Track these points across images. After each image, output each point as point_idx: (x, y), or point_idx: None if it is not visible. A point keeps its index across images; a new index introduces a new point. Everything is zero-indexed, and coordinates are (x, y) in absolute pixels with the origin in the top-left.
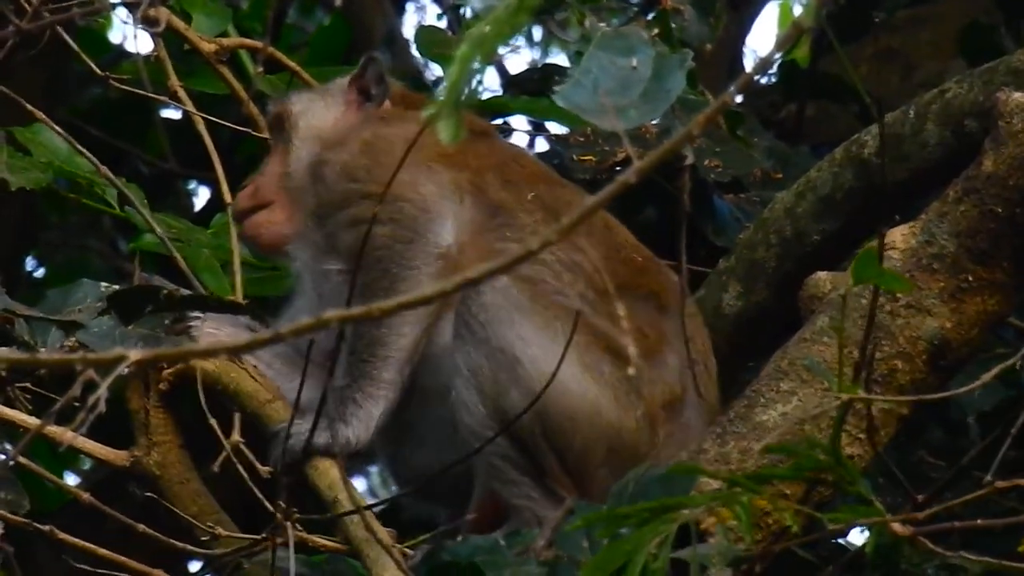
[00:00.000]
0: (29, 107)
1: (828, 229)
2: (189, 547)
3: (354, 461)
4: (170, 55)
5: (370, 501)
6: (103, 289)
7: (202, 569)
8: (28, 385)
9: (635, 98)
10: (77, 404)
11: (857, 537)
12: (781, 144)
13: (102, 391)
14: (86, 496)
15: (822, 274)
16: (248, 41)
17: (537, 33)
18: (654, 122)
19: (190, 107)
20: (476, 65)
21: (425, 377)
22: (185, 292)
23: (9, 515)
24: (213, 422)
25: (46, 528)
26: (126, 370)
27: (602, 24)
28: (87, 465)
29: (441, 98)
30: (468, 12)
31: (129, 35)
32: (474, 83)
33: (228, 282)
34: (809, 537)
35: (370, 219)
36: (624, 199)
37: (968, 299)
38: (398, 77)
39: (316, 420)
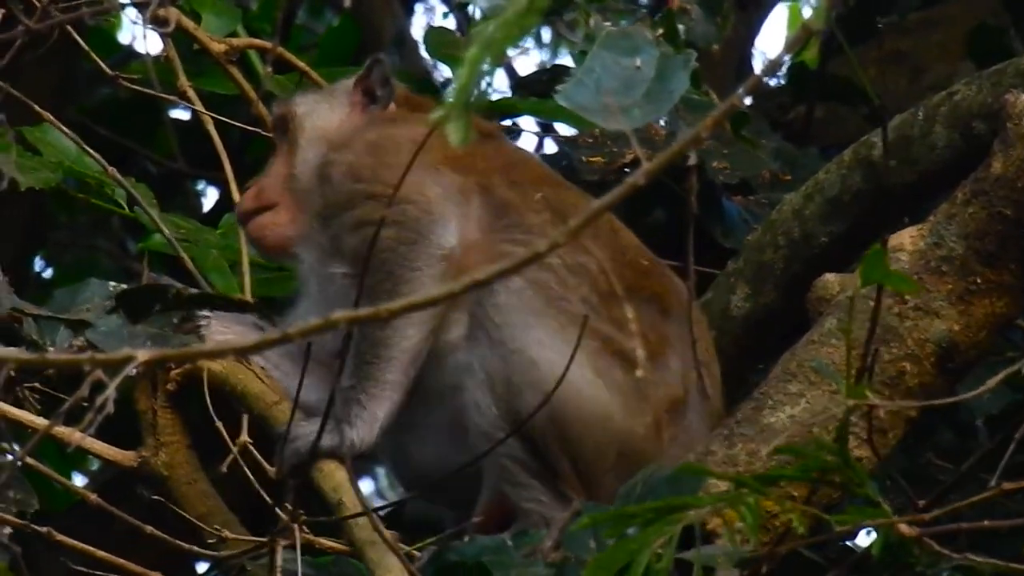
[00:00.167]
0: (37, 108)
1: (836, 231)
2: (196, 549)
3: (360, 462)
4: (179, 55)
5: (377, 503)
6: (111, 288)
7: (209, 570)
8: (36, 385)
9: (638, 98)
10: (85, 404)
11: (863, 538)
12: (789, 146)
13: (110, 391)
14: (93, 497)
15: (830, 276)
16: (257, 41)
17: (546, 34)
18: (662, 124)
19: (199, 107)
20: (485, 67)
21: (431, 377)
22: (193, 291)
23: (6, 516)
24: (219, 425)
25: (44, 530)
26: (134, 370)
27: (608, 24)
28: (95, 465)
29: (450, 100)
30: (476, 13)
31: (138, 35)
32: (483, 85)
33: (236, 282)
34: (816, 538)
35: (374, 221)
36: (632, 201)
37: (976, 301)
38: (407, 78)
39: (323, 422)
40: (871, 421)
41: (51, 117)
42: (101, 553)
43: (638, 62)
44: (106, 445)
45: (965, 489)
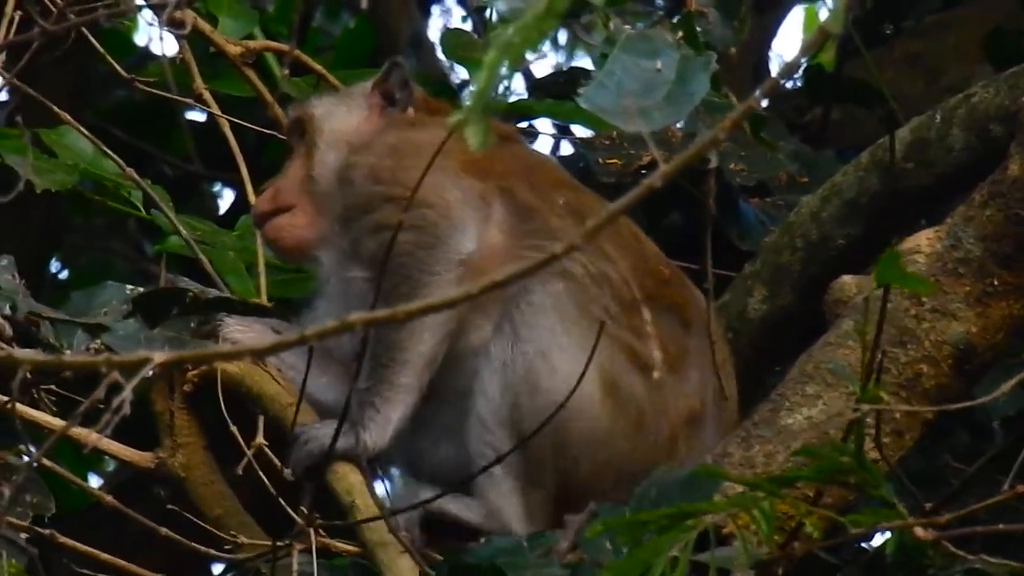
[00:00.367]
0: (55, 109)
1: (853, 233)
2: (211, 551)
3: (373, 464)
4: (196, 57)
5: (389, 504)
6: (128, 291)
7: (224, 572)
8: (53, 387)
9: (659, 100)
10: (102, 406)
11: (877, 538)
12: (806, 148)
13: (127, 393)
14: (109, 499)
15: (847, 278)
16: (274, 44)
17: (562, 37)
18: (679, 126)
19: (215, 109)
20: (504, 71)
21: (449, 378)
22: (211, 294)
23: (10, 519)
24: (234, 429)
25: (47, 532)
26: (151, 372)
27: (627, 27)
28: (111, 466)
29: (468, 104)
30: (494, 15)
31: (154, 37)
32: (501, 89)
33: (253, 284)
34: (832, 541)
35: (393, 225)
36: (649, 203)
37: (993, 303)
38: (424, 80)
39: (340, 425)
40: (879, 425)
41: (68, 119)
42: (105, 556)
43: (658, 64)
44: (123, 446)
45: (980, 491)
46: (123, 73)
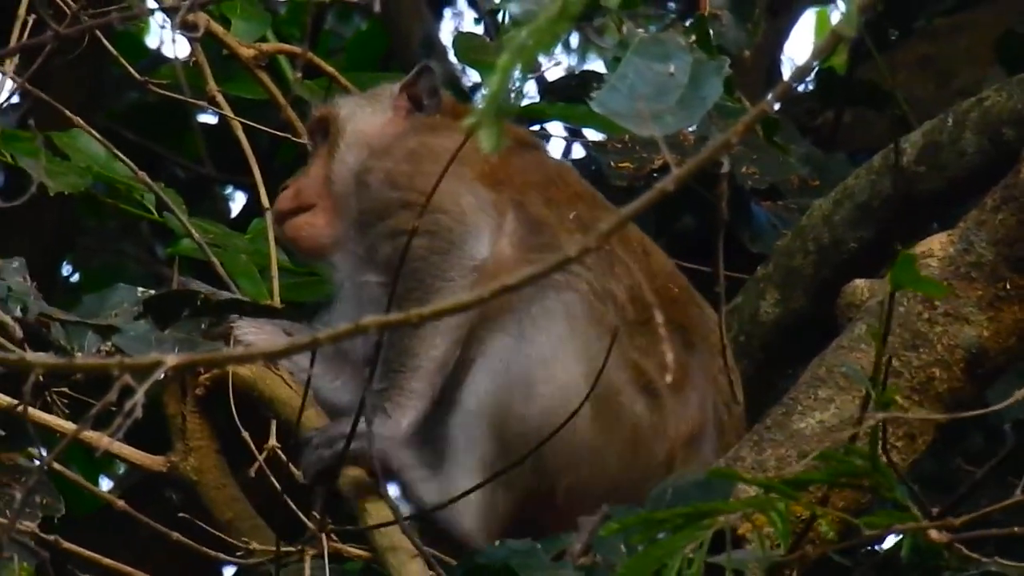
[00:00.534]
0: (67, 112)
1: (865, 236)
2: (222, 556)
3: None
4: (208, 60)
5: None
6: (139, 294)
7: (236, 574)
8: (64, 390)
9: (671, 104)
10: (113, 409)
11: (889, 539)
12: (818, 151)
13: (139, 396)
14: (120, 503)
15: (859, 282)
16: (286, 46)
17: (574, 40)
18: (691, 129)
19: (228, 112)
20: (516, 74)
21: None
22: (222, 296)
23: (20, 524)
24: (246, 435)
25: (51, 538)
26: (163, 375)
27: (640, 30)
28: (122, 469)
29: (481, 107)
30: (506, 18)
31: (167, 40)
32: (514, 92)
33: (265, 287)
34: (846, 543)
35: (408, 230)
36: (662, 207)
37: (1006, 307)
38: None
39: (352, 429)
40: (885, 431)
41: (80, 122)
42: (108, 561)
43: (671, 68)
44: (135, 450)
45: (993, 493)
46: (136, 76)
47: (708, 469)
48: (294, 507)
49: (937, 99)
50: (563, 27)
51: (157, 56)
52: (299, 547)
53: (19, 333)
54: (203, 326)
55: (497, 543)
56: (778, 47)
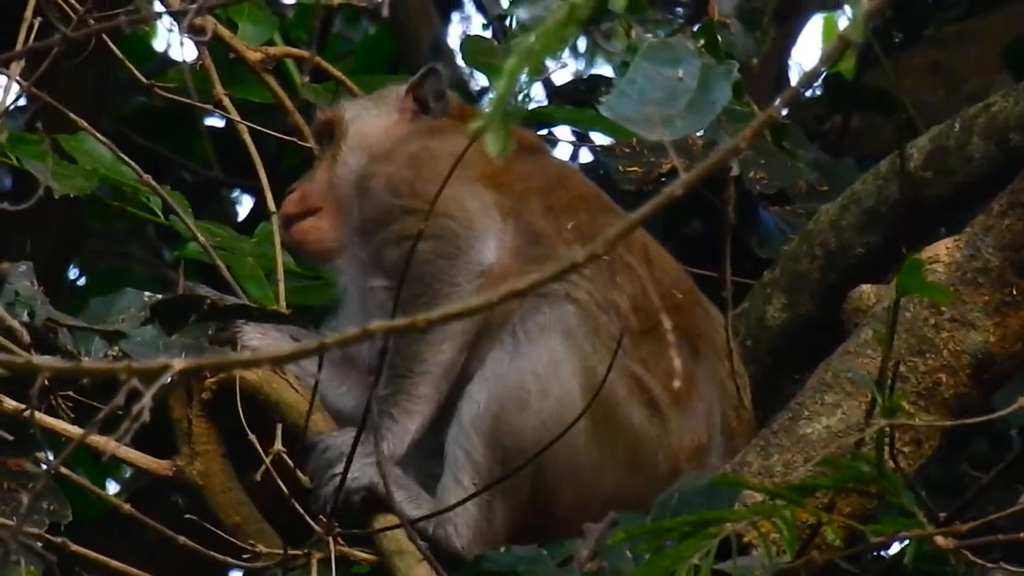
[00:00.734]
0: (73, 116)
1: (873, 242)
2: (229, 559)
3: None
4: (215, 63)
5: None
6: (146, 298)
7: None
8: (71, 394)
9: (680, 109)
10: (120, 413)
11: (894, 546)
12: (826, 156)
13: (146, 400)
14: (126, 507)
15: (866, 287)
16: (294, 50)
17: (582, 44)
18: (699, 134)
19: (235, 116)
20: (524, 78)
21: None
22: (229, 301)
23: (28, 527)
24: (253, 438)
25: (58, 540)
26: (170, 379)
27: (648, 35)
28: (129, 473)
29: (488, 111)
30: (514, 22)
31: (174, 43)
32: (521, 96)
33: (272, 291)
34: (852, 550)
35: (415, 235)
36: (670, 211)
37: (1012, 313)
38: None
39: (358, 434)
40: (893, 436)
41: (87, 125)
42: (116, 564)
43: (680, 73)
44: (141, 454)
45: (999, 499)
46: (143, 79)
47: (714, 476)
48: (301, 510)
49: (946, 105)
50: (570, 31)
51: (164, 60)
52: (305, 550)
53: (26, 338)
54: (210, 331)
55: (503, 549)
56: (786, 52)
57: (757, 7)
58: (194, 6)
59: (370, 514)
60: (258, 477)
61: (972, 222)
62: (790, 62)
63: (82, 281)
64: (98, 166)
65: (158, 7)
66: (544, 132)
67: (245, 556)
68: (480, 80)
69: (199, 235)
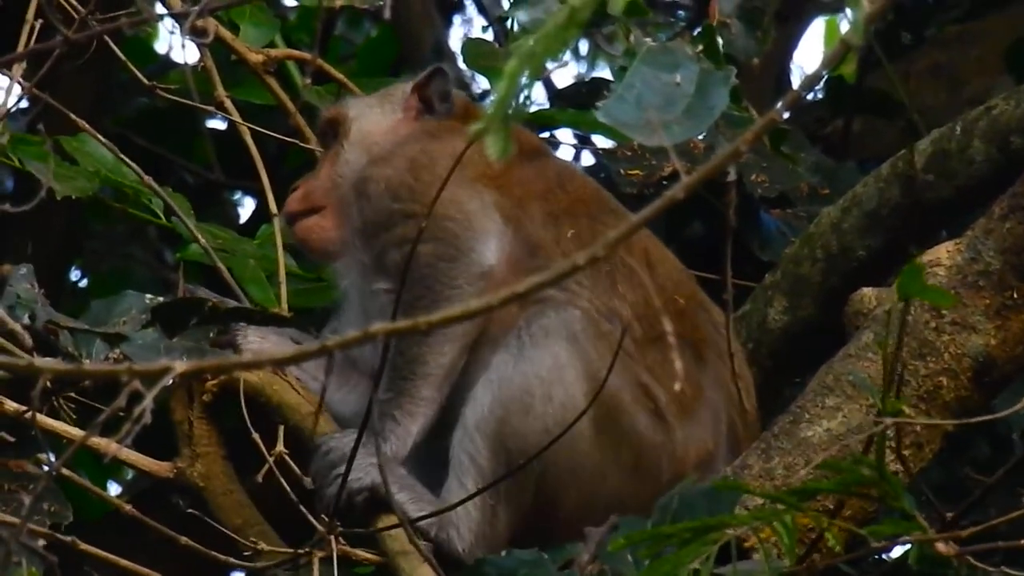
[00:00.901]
0: (75, 118)
1: (874, 245)
2: (231, 559)
3: None
4: (217, 65)
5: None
6: (148, 301)
7: None
8: (72, 396)
9: (678, 114)
10: (121, 415)
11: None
12: (827, 159)
13: (147, 403)
14: (128, 508)
15: (867, 290)
16: (296, 52)
17: (584, 47)
18: (701, 138)
19: (236, 118)
20: (524, 80)
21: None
22: (230, 304)
23: (34, 527)
24: (256, 437)
25: (68, 539)
26: (171, 381)
27: (648, 39)
28: (130, 475)
29: (489, 113)
30: (515, 25)
31: (176, 45)
32: (522, 98)
33: (274, 293)
34: (853, 555)
35: (415, 238)
36: (670, 214)
37: (1013, 316)
38: None
39: (359, 436)
40: (900, 437)
41: (88, 127)
42: (125, 562)
43: (678, 78)
44: (142, 456)
45: (1001, 502)
46: (145, 81)
47: (715, 480)
48: (304, 509)
49: (948, 107)
50: (571, 34)
51: (166, 61)
52: (307, 549)
53: (28, 340)
54: (211, 334)
55: (504, 553)
56: (787, 55)
57: (758, 7)
58: (196, 8)
59: (374, 515)
60: (259, 478)
61: (973, 225)
62: (792, 65)
63: (83, 283)
64: (100, 167)
65: (160, 9)
66: (546, 135)
67: (247, 554)
68: (481, 83)
69: (200, 237)
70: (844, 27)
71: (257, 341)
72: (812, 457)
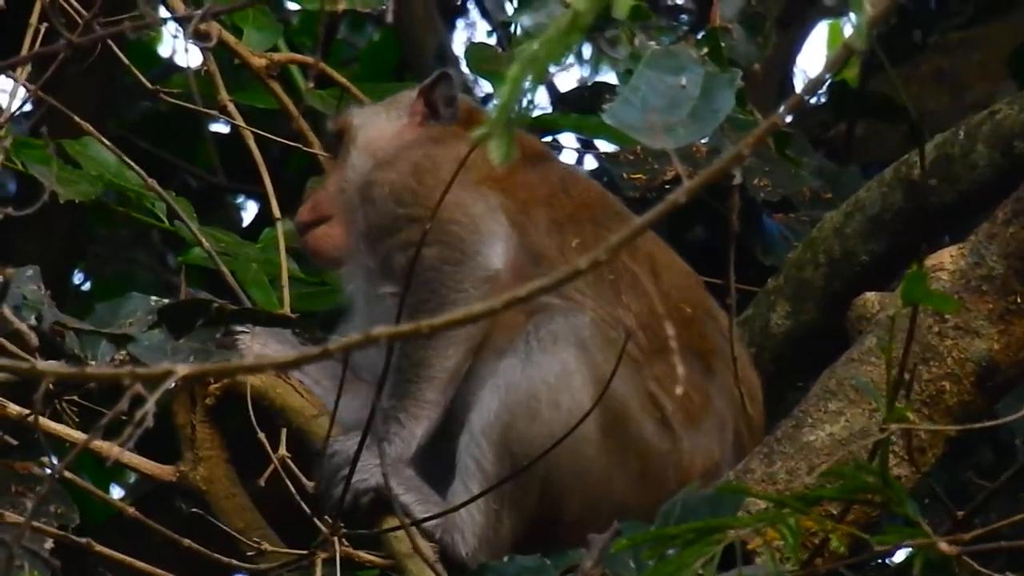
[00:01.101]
0: (78, 121)
1: (877, 249)
2: (234, 561)
3: None
4: (220, 69)
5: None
6: (153, 303)
7: None
8: (75, 398)
9: (683, 117)
10: (124, 418)
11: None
12: (830, 164)
13: (150, 406)
14: (131, 510)
15: (870, 294)
16: (299, 56)
17: (587, 51)
18: (704, 141)
19: (240, 121)
20: (527, 85)
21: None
22: (235, 306)
23: (47, 528)
24: (261, 436)
25: (83, 540)
26: (174, 385)
27: (652, 43)
28: (133, 478)
29: (492, 118)
30: (518, 29)
31: (179, 49)
32: (525, 103)
33: (276, 297)
34: (857, 558)
35: (419, 241)
36: (673, 218)
37: (1017, 321)
38: None
39: (363, 439)
40: (910, 440)
41: (92, 130)
42: (140, 564)
43: (683, 81)
44: (145, 459)
45: (1004, 506)
46: (148, 85)
47: (719, 484)
48: (307, 510)
49: (951, 112)
50: (574, 39)
51: (169, 65)
52: (311, 551)
53: (34, 341)
54: (217, 336)
55: (507, 558)
56: (790, 59)
57: (760, 12)
58: (199, 12)
59: (379, 516)
60: (262, 482)
61: (976, 230)
62: (795, 69)
63: (87, 286)
64: (103, 171)
65: (163, 13)
66: (549, 139)
67: (250, 555)
68: (485, 87)
69: (204, 240)
70: (847, 31)
71: (260, 345)
72: (815, 461)
